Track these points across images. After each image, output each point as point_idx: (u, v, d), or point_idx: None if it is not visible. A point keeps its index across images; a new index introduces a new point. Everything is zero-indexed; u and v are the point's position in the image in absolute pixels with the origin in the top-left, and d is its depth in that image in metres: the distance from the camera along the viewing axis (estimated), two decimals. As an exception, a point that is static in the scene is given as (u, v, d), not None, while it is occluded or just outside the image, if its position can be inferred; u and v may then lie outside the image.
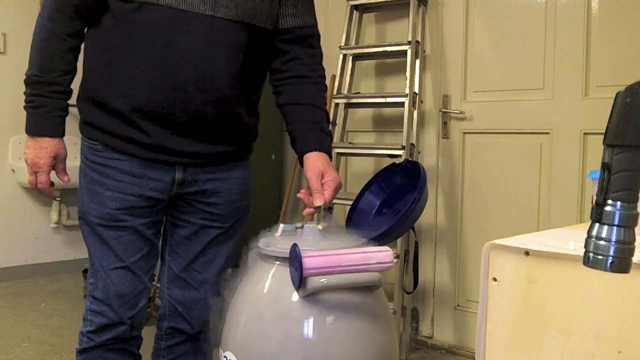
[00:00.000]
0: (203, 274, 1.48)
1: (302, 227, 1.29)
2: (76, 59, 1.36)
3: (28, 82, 1.33)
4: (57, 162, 1.37)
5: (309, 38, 1.45)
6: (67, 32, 1.32)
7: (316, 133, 1.38)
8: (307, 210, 1.32)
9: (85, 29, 1.38)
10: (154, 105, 1.31)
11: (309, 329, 1.17)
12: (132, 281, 1.39)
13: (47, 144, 1.34)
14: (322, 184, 1.31)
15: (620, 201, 0.66)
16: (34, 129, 1.34)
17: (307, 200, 1.31)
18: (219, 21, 1.29)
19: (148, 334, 1.53)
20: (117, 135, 1.35)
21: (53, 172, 1.38)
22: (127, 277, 1.38)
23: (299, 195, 1.33)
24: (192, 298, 1.48)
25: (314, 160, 1.34)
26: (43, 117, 1.33)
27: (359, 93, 2.91)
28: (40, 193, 1.38)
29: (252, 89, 1.44)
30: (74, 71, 1.37)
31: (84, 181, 1.40)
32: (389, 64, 2.91)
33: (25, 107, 1.35)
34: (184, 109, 1.31)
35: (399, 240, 2.48)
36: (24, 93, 1.34)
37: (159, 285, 1.57)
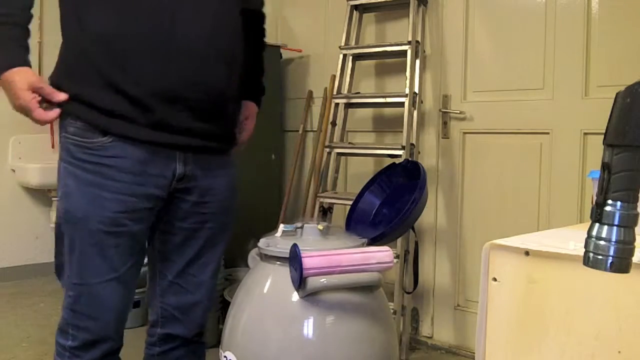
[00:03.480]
0: (199, 277, 1.44)
1: (302, 227, 1.29)
2: None
3: None
4: (38, 90, 1.23)
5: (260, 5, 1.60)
6: None
7: (258, 85, 1.61)
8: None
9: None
10: (168, 82, 1.25)
11: (309, 329, 1.17)
12: (123, 292, 1.32)
13: (13, 76, 1.21)
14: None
15: (620, 201, 0.66)
16: (5, 66, 1.21)
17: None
18: None
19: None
20: (118, 115, 1.25)
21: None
22: (118, 289, 1.30)
23: None
24: (189, 302, 1.44)
25: (246, 108, 1.56)
26: (15, 49, 1.22)
27: (359, 93, 2.91)
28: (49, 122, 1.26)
29: (240, 65, 1.44)
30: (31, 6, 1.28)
31: (75, 183, 1.27)
32: (389, 64, 2.91)
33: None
34: (196, 82, 1.28)
35: (399, 240, 2.48)
36: None
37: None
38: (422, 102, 2.70)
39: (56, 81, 1.29)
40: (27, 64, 1.23)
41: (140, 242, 1.34)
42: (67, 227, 1.29)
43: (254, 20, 1.56)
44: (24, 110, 1.22)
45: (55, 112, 1.25)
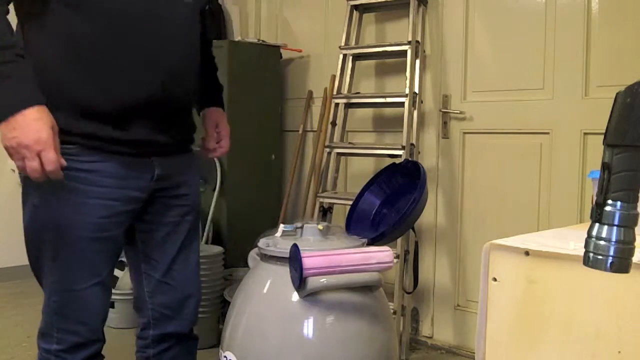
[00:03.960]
0: (183, 272, 1.46)
1: (302, 227, 1.29)
2: None
3: None
4: (55, 136, 1.15)
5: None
6: None
7: (215, 89, 1.62)
8: (205, 153, 1.57)
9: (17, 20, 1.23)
10: (136, 97, 1.25)
11: (309, 329, 1.17)
12: (105, 296, 1.33)
13: (40, 114, 1.12)
14: (216, 133, 1.56)
15: (620, 201, 0.66)
16: (13, 104, 1.10)
17: (205, 149, 1.56)
18: (188, 5, 1.32)
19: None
20: (96, 136, 1.24)
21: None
22: (101, 292, 1.31)
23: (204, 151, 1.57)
24: (179, 298, 1.46)
25: (212, 113, 1.57)
26: (18, 87, 1.11)
27: (359, 93, 2.91)
28: (48, 177, 1.14)
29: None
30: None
31: (55, 192, 1.23)
32: (389, 64, 2.91)
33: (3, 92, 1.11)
34: (165, 98, 1.30)
35: (399, 240, 2.48)
36: None
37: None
38: (422, 102, 2.70)
39: None
40: (44, 101, 1.15)
41: (119, 245, 1.36)
42: (49, 235, 1.26)
43: (205, 41, 1.58)
44: (39, 147, 1.11)
45: (63, 162, 1.16)
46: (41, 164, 1.12)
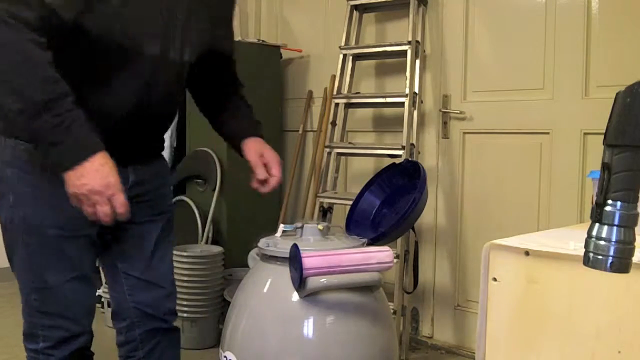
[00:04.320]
0: (161, 269, 1.47)
1: (302, 227, 1.29)
2: None
3: (35, 112, 1.08)
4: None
5: (231, 53, 1.56)
6: (40, 41, 1.10)
7: (252, 125, 1.53)
8: (259, 187, 1.48)
9: None
10: (119, 132, 1.28)
11: (309, 329, 1.17)
12: (87, 289, 1.35)
13: (104, 159, 1.14)
14: (264, 164, 1.45)
15: (620, 201, 0.66)
16: (78, 152, 1.12)
17: (257, 181, 1.46)
18: (185, 65, 1.37)
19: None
20: None
21: None
22: (81, 286, 1.32)
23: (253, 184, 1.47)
24: (159, 296, 1.46)
25: (252, 143, 1.48)
26: (80, 135, 1.12)
27: (359, 93, 2.90)
28: (112, 221, 1.16)
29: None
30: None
31: (30, 190, 1.24)
32: (389, 64, 2.91)
33: (50, 141, 1.10)
34: (145, 131, 1.37)
35: (399, 240, 2.48)
36: (34, 128, 1.09)
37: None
38: (422, 102, 2.70)
39: None
40: (104, 146, 1.16)
41: (94, 242, 1.36)
42: (22, 234, 1.27)
43: (225, 67, 1.56)
44: (110, 191, 1.13)
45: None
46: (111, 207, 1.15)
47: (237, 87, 1.60)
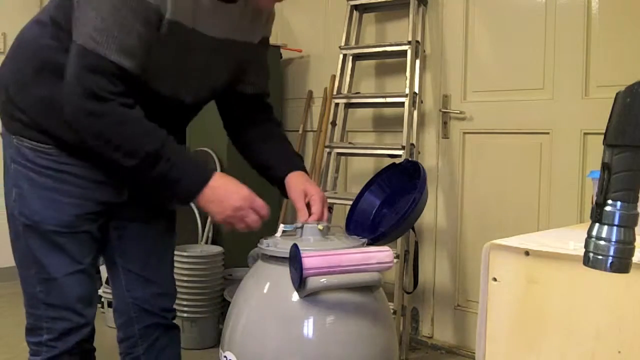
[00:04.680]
0: (160, 267, 1.49)
1: (302, 227, 1.29)
2: None
3: (150, 164, 1.19)
4: None
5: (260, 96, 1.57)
6: (129, 103, 1.21)
7: (291, 157, 1.47)
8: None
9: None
10: None
11: (309, 329, 1.17)
12: (88, 282, 1.36)
13: (221, 176, 1.25)
14: (307, 203, 1.36)
15: (620, 201, 0.66)
16: (202, 178, 1.23)
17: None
18: (195, 105, 1.43)
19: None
20: (76, 145, 1.28)
21: None
22: (84, 279, 1.34)
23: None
24: (157, 292, 1.48)
25: (295, 180, 1.39)
26: (194, 163, 1.25)
27: (359, 93, 2.91)
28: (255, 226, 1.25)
29: None
30: None
31: (30, 187, 1.29)
32: (389, 64, 2.91)
33: (171, 180, 1.20)
34: None
35: (399, 240, 2.48)
36: (154, 176, 1.20)
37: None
38: (422, 102, 2.70)
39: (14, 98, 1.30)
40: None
41: (97, 237, 1.38)
42: (24, 228, 1.31)
43: (254, 104, 1.55)
44: (250, 203, 1.23)
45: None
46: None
47: (271, 119, 1.57)
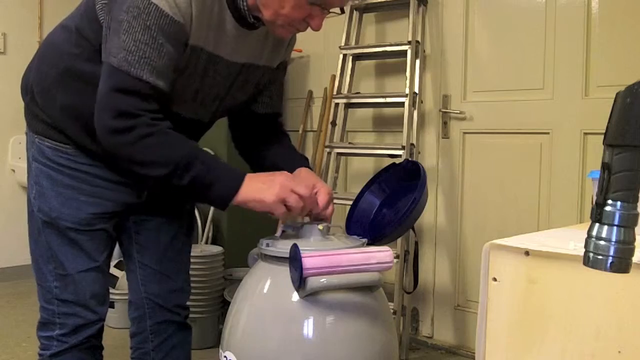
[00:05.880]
0: (175, 263, 1.50)
1: (302, 227, 1.29)
2: None
3: (183, 170, 1.18)
4: None
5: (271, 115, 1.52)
6: (160, 117, 1.21)
7: (299, 157, 1.48)
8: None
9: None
10: None
11: (309, 329, 1.17)
12: (103, 280, 1.38)
13: (252, 174, 1.24)
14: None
15: (620, 201, 0.66)
16: (235, 179, 1.22)
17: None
18: (211, 122, 1.47)
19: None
20: (96, 149, 1.30)
21: None
22: (98, 277, 1.36)
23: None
24: (170, 288, 1.49)
25: (304, 174, 1.38)
26: (223, 165, 1.25)
27: (359, 93, 2.91)
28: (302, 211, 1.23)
29: None
30: None
31: (50, 184, 1.32)
32: (389, 64, 2.91)
33: (207, 184, 1.20)
34: None
35: (399, 240, 2.48)
36: (188, 186, 1.19)
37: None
38: (422, 102, 2.70)
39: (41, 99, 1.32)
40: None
41: (113, 235, 1.40)
42: (42, 225, 1.33)
43: (272, 129, 1.53)
44: (284, 190, 1.20)
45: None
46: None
47: (284, 134, 1.55)
